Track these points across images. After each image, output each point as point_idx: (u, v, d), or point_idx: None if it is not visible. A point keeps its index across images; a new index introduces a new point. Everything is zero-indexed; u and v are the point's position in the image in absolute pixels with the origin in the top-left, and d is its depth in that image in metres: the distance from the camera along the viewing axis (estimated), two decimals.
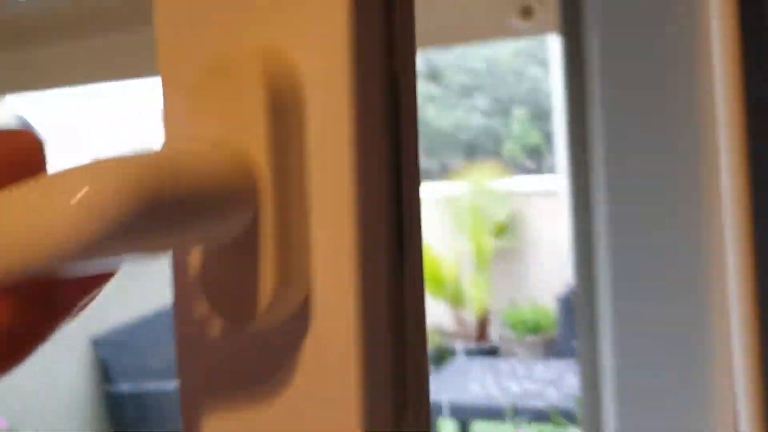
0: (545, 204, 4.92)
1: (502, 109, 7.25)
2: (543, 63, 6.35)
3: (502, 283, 4.96)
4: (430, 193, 5.08)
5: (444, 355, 4.75)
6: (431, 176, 5.74)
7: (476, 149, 6.94)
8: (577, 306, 1.10)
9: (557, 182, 4.87)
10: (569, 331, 4.06)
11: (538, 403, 3.14)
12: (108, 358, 3.32)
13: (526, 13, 1.82)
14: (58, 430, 3.17)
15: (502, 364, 3.67)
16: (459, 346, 4.73)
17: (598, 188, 1.06)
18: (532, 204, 4.93)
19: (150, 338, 3.57)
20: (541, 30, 1.92)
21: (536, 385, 3.33)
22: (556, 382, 3.34)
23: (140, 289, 3.77)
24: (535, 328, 4.59)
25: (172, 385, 3.22)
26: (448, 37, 2.16)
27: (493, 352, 4.66)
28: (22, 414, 3.02)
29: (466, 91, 7.41)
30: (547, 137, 6.14)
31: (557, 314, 4.13)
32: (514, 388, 3.31)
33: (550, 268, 4.93)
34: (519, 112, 7.18)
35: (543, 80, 6.52)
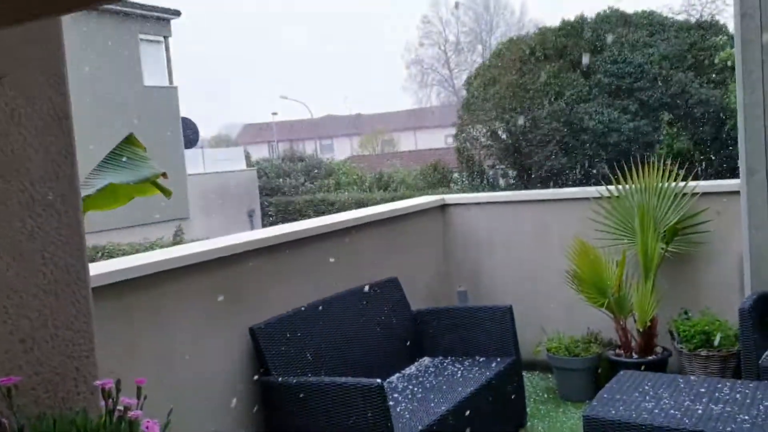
0: (722, 206, 4.47)
1: None
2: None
3: (672, 292, 4.55)
4: (596, 193, 4.76)
5: (604, 367, 4.43)
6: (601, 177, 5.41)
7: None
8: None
9: (735, 183, 4.40)
10: (753, 347, 3.63)
11: (728, 429, 2.78)
12: (264, 349, 3.32)
13: None
14: (213, 414, 3.21)
15: (681, 381, 3.32)
16: (622, 357, 4.38)
17: None
18: (707, 206, 4.49)
19: (305, 330, 3.56)
20: None
21: (727, 407, 2.96)
22: (748, 406, 2.96)
23: (296, 282, 3.77)
24: (710, 342, 4.16)
25: (325, 378, 3.18)
26: None
27: (660, 366, 4.27)
28: (180, 400, 3.07)
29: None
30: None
31: (739, 327, 3.70)
32: (698, 409, 2.97)
33: (726, 276, 4.47)
34: None
35: None
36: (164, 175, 1.83)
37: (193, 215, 19.29)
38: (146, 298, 2.94)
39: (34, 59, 1.38)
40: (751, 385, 3.22)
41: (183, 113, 20.69)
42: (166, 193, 1.84)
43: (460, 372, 3.89)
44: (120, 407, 1.29)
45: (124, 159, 1.80)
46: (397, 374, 3.99)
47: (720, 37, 15.71)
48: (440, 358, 4.20)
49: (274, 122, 44.90)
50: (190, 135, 22.11)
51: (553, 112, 16.18)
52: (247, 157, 27.29)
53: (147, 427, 1.23)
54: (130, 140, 1.89)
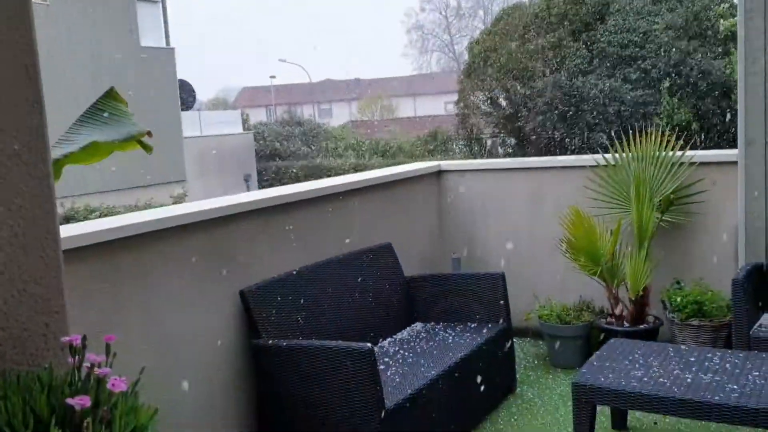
0: (719, 177, 4.44)
1: None
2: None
3: (665, 261, 4.54)
4: (592, 162, 4.73)
5: (595, 335, 4.44)
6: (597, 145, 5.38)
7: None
8: None
9: (733, 154, 4.36)
10: (745, 318, 3.63)
11: (717, 399, 2.78)
12: (255, 312, 3.31)
13: None
14: (202, 377, 3.21)
15: (671, 350, 3.32)
16: (613, 326, 4.39)
17: None
18: (704, 177, 4.45)
19: (296, 294, 3.55)
20: None
21: (716, 376, 2.97)
22: (737, 376, 2.96)
23: (288, 247, 3.75)
24: (702, 312, 4.16)
25: (315, 341, 3.17)
26: None
27: (651, 335, 4.28)
28: (168, 362, 3.07)
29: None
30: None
31: (732, 297, 3.69)
32: (688, 377, 2.97)
33: (720, 246, 4.46)
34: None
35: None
36: (149, 133, 1.78)
37: (190, 178, 19.21)
38: (134, 259, 2.91)
39: None
40: (741, 355, 3.22)
41: (180, 76, 20.47)
42: (147, 149, 1.79)
43: (451, 337, 3.89)
44: (87, 364, 1.27)
45: (105, 114, 1.75)
46: (389, 339, 3.99)
47: (723, 5, 15.51)
48: (432, 323, 4.20)
49: (272, 86, 44.54)
50: (187, 97, 21.93)
51: (554, 82, 16.04)
52: (245, 120, 27.09)
53: (113, 385, 1.21)
54: (111, 95, 1.84)
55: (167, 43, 20.08)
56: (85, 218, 10.40)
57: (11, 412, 1.16)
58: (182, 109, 20.40)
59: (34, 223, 1.37)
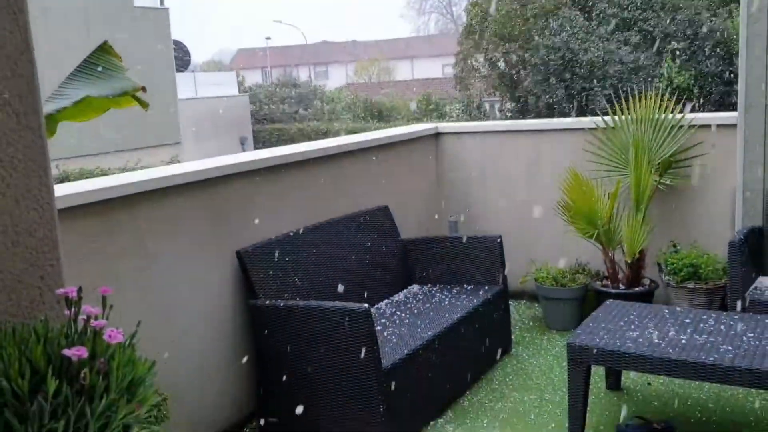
0: (718, 140, 4.42)
1: None
2: None
3: (662, 224, 4.54)
4: (591, 124, 4.69)
5: (591, 298, 4.46)
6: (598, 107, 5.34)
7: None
8: None
9: (732, 116, 4.33)
10: (740, 280, 3.64)
11: (711, 359, 2.80)
12: (252, 272, 3.31)
13: None
14: (200, 337, 3.23)
15: (666, 311, 3.34)
16: (609, 288, 4.41)
17: None
18: (703, 140, 4.43)
19: (293, 256, 3.55)
20: None
21: (711, 338, 2.99)
22: (732, 337, 2.98)
23: (285, 208, 3.73)
24: (698, 275, 4.17)
25: (313, 302, 3.18)
26: None
27: (647, 297, 4.30)
28: (166, 322, 3.08)
29: None
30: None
31: (728, 260, 3.70)
32: (682, 339, 2.99)
33: (717, 209, 4.46)
34: None
35: None
36: (143, 88, 1.75)
37: (185, 140, 19.09)
38: (130, 219, 2.90)
39: None
40: (735, 317, 3.24)
41: (175, 36, 20.19)
42: (143, 105, 1.76)
43: (447, 299, 3.90)
44: (83, 316, 1.26)
45: (99, 69, 1.72)
46: (386, 300, 4.00)
47: None
48: (429, 286, 4.21)
49: (267, 47, 44.03)
50: (182, 58, 21.66)
51: (553, 44, 15.87)
52: (240, 82, 26.83)
53: (110, 336, 1.21)
54: (104, 48, 1.80)
55: (161, 2, 19.76)
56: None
57: (7, 362, 1.16)
58: (177, 71, 20.17)
59: (27, 174, 1.35)
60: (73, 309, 1.28)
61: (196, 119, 20.50)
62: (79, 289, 1.30)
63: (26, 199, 1.35)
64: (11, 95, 1.31)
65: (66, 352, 1.17)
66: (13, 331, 1.24)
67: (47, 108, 1.48)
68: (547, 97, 16.10)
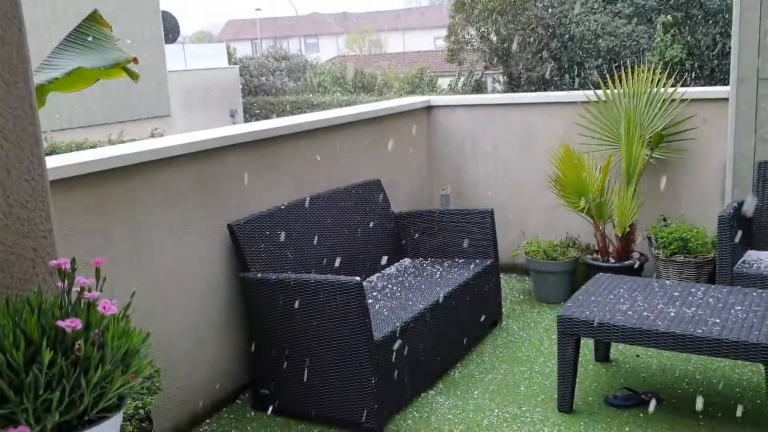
0: (709, 114, 4.42)
1: None
2: None
3: (653, 198, 4.56)
4: (584, 98, 4.69)
5: (581, 271, 4.49)
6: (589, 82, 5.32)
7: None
8: None
9: (724, 91, 4.33)
10: (729, 254, 3.67)
11: (699, 332, 2.84)
12: (243, 245, 3.31)
13: None
14: (192, 310, 3.23)
15: (655, 284, 3.37)
16: (599, 262, 4.44)
17: None
18: (694, 114, 4.44)
19: (285, 229, 3.55)
20: None
21: (699, 310, 3.02)
22: (720, 310, 3.02)
23: (276, 181, 3.72)
24: (687, 248, 4.21)
25: (304, 275, 3.19)
26: None
27: (636, 271, 4.34)
28: (156, 294, 3.08)
29: None
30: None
31: (717, 234, 3.73)
32: (671, 311, 3.02)
33: (708, 184, 4.48)
34: None
35: None
36: (135, 60, 1.73)
37: (174, 113, 18.93)
38: (121, 191, 2.88)
39: None
40: (724, 290, 3.28)
41: (163, 7, 19.90)
42: (133, 76, 1.74)
43: (439, 273, 3.92)
44: (76, 288, 1.26)
45: (89, 38, 1.69)
46: (377, 274, 4.02)
47: None
48: (420, 259, 4.23)
49: (257, 18, 43.52)
50: (171, 29, 21.37)
51: (544, 18, 15.75)
52: (230, 54, 26.53)
53: (104, 307, 1.20)
54: (94, 18, 1.77)
55: None
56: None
57: (1, 334, 1.15)
58: (166, 42, 19.92)
59: (18, 144, 1.33)
60: (66, 281, 1.27)
61: (185, 91, 20.31)
62: (73, 261, 1.29)
63: (17, 169, 1.34)
64: (1, 64, 1.28)
65: (60, 323, 1.17)
66: (6, 303, 1.23)
67: (37, 78, 1.46)
68: (539, 70, 16.03)
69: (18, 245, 1.36)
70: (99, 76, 1.63)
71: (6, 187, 1.33)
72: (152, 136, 13.37)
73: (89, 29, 1.72)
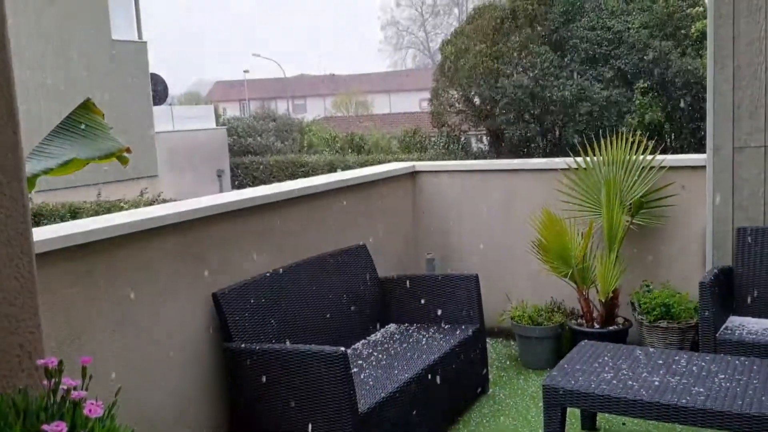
0: (687, 181, 4.52)
1: None
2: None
3: (634, 264, 4.61)
4: (564, 165, 4.78)
5: (567, 336, 4.49)
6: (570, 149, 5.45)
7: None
8: None
9: (701, 158, 4.44)
10: (711, 320, 3.70)
11: (684, 402, 2.84)
12: (228, 315, 3.30)
13: None
14: (175, 381, 3.20)
15: (639, 352, 3.38)
16: (583, 327, 4.45)
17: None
18: (673, 180, 4.53)
19: (270, 297, 3.54)
20: None
21: (683, 379, 3.03)
22: (704, 379, 3.03)
23: (262, 248, 3.74)
24: (670, 314, 4.23)
25: (288, 345, 3.17)
26: None
27: (620, 336, 4.35)
28: (140, 366, 3.05)
29: None
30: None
31: (699, 300, 3.77)
32: (655, 380, 3.03)
33: (688, 249, 4.54)
34: None
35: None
36: (128, 149, 1.77)
37: (162, 173, 19.01)
38: (106, 262, 2.88)
39: None
40: (707, 358, 3.29)
41: (152, 69, 20.22)
42: (123, 161, 1.78)
43: (425, 339, 3.91)
44: (63, 386, 1.26)
45: (82, 127, 1.73)
46: (363, 340, 4.00)
47: (696, 8, 15.74)
48: (406, 324, 4.22)
49: (245, 80, 44.20)
50: (160, 91, 21.67)
51: (524, 82, 16.16)
52: (218, 115, 26.85)
53: (90, 411, 1.20)
54: (87, 106, 1.81)
55: (140, 36, 19.82)
56: (62, 218, 10.23)
57: None
58: (154, 104, 20.16)
59: (8, 243, 1.35)
60: (52, 380, 1.27)
61: (173, 152, 20.45)
62: (60, 362, 1.29)
63: (8, 268, 1.35)
64: None
65: (46, 428, 1.17)
66: None
67: (31, 167, 1.49)
68: (519, 133, 16.34)
69: (4, 342, 1.37)
70: (90, 161, 1.67)
71: None
72: (141, 194, 13.39)
73: (82, 117, 1.76)
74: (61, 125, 1.76)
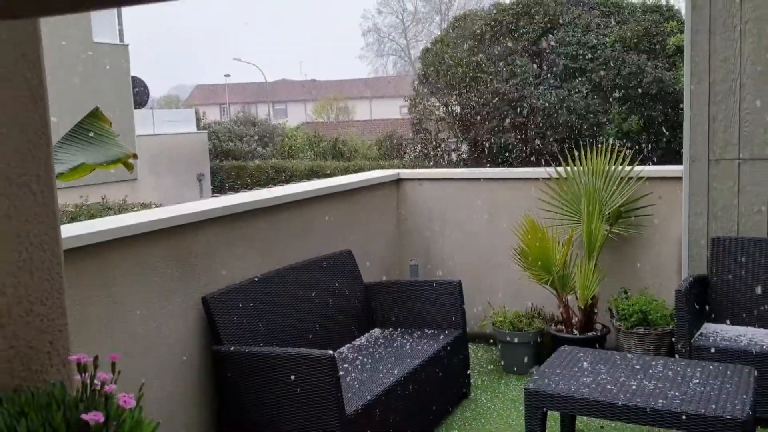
0: (664, 191, 4.65)
1: None
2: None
3: (613, 271, 4.74)
4: (545, 174, 4.89)
5: (546, 342, 4.60)
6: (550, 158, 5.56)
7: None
8: None
9: (678, 169, 4.58)
10: (687, 327, 3.83)
11: (660, 405, 2.95)
12: (217, 318, 3.36)
13: None
14: (165, 383, 3.24)
15: (617, 357, 3.48)
16: (563, 333, 4.56)
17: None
18: (651, 191, 4.66)
19: (258, 301, 3.60)
20: None
21: (659, 383, 3.13)
22: (679, 383, 3.14)
23: (249, 253, 3.80)
24: (647, 321, 4.36)
25: (277, 348, 3.23)
26: None
27: (599, 342, 4.47)
28: (130, 369, 3.09)
29: None
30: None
31: (675, 308, 3.89)
32: (633, 384, 3.13)
33: (665, 258, 4.67)
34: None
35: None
36: (134, 155, 1.85)
37: (142, 177, 18.92)
38: (95, 266, 2.93)
39: (9, 40, 1.37)
40: (683, 363, 3.41)
41: (133, 72, 20.15)
42: (128, 167, 1.85)
43: (409, 344, 3.99)
44: (97, 381, 1.33)
45: (91, 134, 1.80)
46: (348, 345, 4.07)
47: (673, 22, 16.03)
48: (390, 329, 4.30)
49: (226, 84, 44.10)
50: (140, 95, 21.58)
51: (503, 92, 16.35)
52: (199, 119, 26.77)
53: (124, 402, 1.28)
54: (96, 115, 1.88)
55: (121, 39, 19.75)
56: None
57: (32, 428, 1.21)
58: (135, 107, 20.08)
59: (42, 248, 1.42)
60: (85, 374, 1.34)
61: (153, 155, 20.37)
62: (95, 358, 1.36)
63: (40, 271, 1.43)
64: (30, 176, 1.39)
65: (85, 417, 1.25)
66: (32, 396, 1.30)
67: None
68: (499, 141, 16.52)
69: (36, 340, 1.43)
70: (96, 167, 1.74)
71: (29, 286, 1.41)
72: (124, 200, 13.34)
73: (90, 125, 1.83)
74: (71, 132, 1.83)
